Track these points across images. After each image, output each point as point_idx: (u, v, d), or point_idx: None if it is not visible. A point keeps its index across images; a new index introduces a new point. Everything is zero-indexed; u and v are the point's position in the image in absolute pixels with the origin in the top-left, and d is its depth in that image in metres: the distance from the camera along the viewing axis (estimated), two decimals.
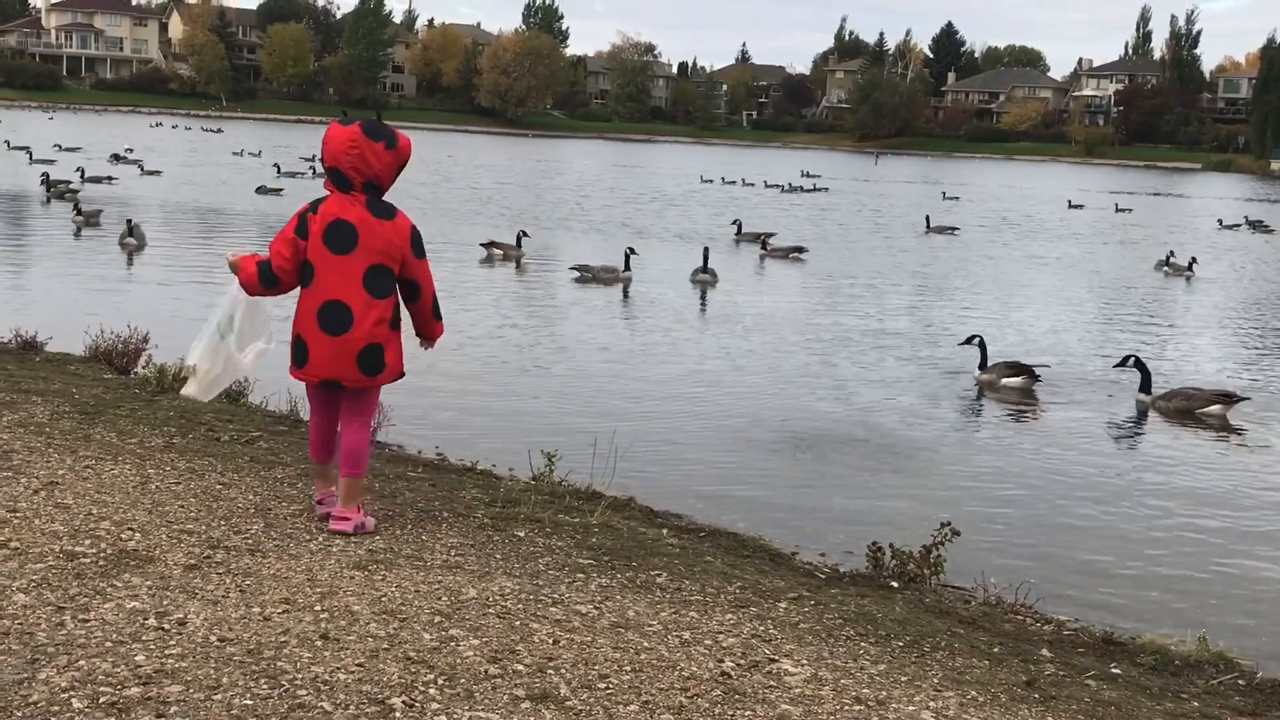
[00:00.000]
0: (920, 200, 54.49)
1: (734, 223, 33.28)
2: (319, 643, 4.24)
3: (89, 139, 62.11)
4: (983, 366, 14.65)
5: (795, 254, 28.12)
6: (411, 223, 5.66)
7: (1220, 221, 48.39)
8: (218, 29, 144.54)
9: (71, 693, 3.70)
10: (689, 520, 7.50)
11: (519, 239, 25.25)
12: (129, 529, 5.34)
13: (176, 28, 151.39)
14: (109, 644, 4.07)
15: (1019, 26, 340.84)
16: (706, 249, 23.32)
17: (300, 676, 3.95)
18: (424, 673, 4.06)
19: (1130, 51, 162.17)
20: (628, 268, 22.13)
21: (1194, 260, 29.37)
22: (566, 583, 5.23)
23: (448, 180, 50.77)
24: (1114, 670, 5.15)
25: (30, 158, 45.01)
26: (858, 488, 9.91)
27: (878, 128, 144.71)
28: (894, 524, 8.48)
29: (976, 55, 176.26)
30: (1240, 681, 5.24)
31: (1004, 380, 14.15)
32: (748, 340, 16.79)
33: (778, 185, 58.65)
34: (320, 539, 5.49)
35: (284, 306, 5.94)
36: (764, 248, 28.68)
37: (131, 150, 52.49)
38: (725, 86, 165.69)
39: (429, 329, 5.86)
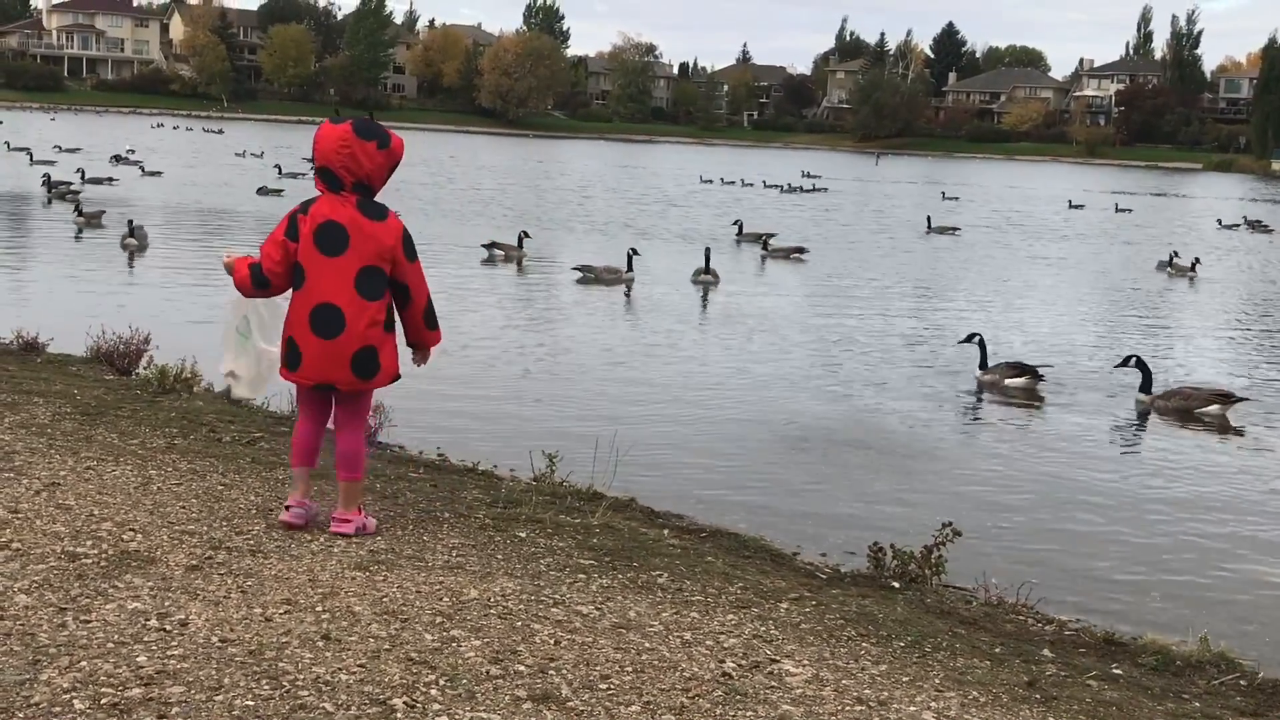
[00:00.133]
0: (922, 200, 54.50)
1: (735, 223, 33.29)
2: (320, 643, 4.24)
3: (90, 140, 62.14)
4: (983, 366, 14.65)
5: (796, 254, 28.12)
6: (402, 224, 5.57)
7: (1220, 221, 48.35)
8: (219, 30, 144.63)
9: (73, 693, 3.70)
10: (690, 521, 7.49)
11: (520, 239, 25.25)
12: (130, 530, 5.34)
13: (178, 29, 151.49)
14: (111, 645, 4.08)
15: (1020, 27, 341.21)
16: (708, 249, 23.33)
17: (302, 677, 3.95)
18: (425, 673, 4.06)
19: (1131, 52, 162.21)
20: (630, 268, 22.13)
21: (1197, 260, 29.25)
22: (568, 583, 5.23)
23: (450, 181, 50.81)
24: (1115, 671, 5.15)
25: (31, 159, 45.03)
26: (859, 488, 9.91)
27: (879, 128, 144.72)
28: (895, 524, 8.48)
29: (977, 55, 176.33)
30: (1242, 682, 5.24)
31: (1007, 381, 14.14)
32: (749, 341, 16.79)
33: (777, 185, 58.65)
34: (321, 540, 5.49)
35: None
36: (765, 248, 28.68)
37: (133, 151, 52.51)
38: (726, 87, 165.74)
39: (421, 336, 5.70)
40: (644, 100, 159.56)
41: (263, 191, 37.69)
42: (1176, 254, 30.28)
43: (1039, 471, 10.78)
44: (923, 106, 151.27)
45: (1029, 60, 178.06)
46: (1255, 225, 47.53)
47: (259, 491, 6.20)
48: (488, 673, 4.11)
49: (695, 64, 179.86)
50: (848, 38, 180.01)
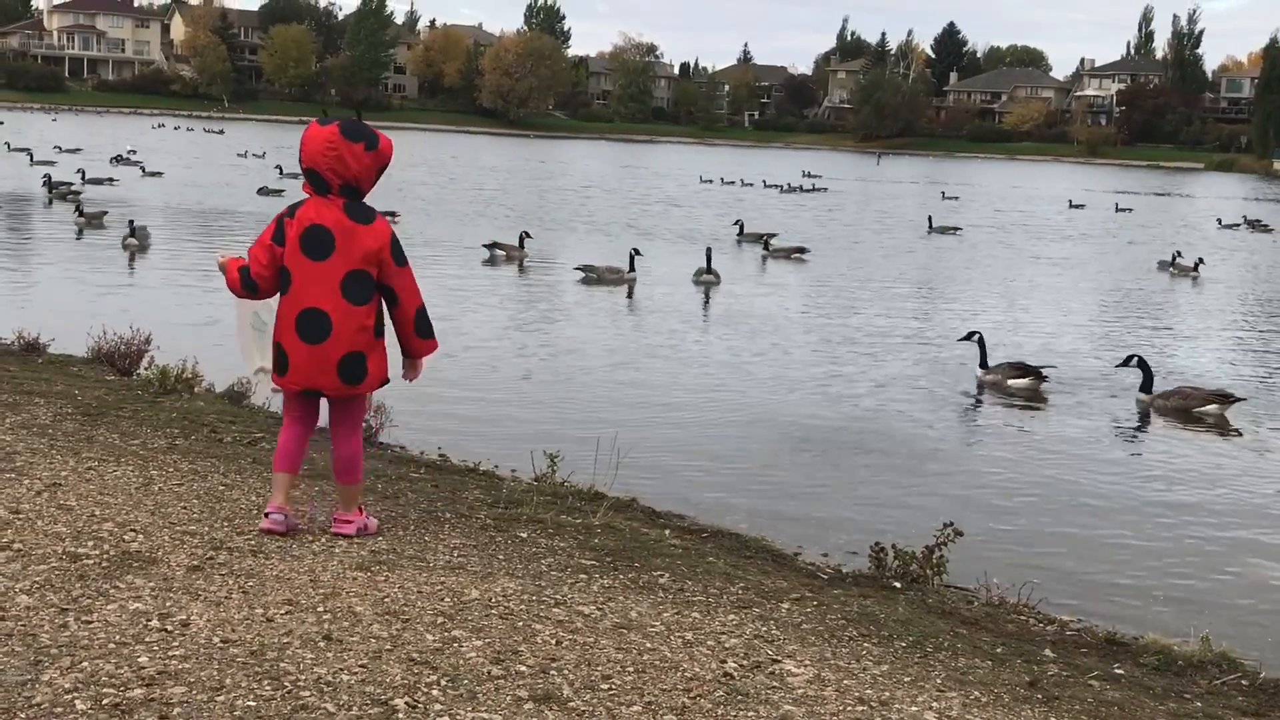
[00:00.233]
0: (924, 200, 54.48)
1: (736, 223, 33.29)
2: (322, 644, 4.24)
3: (90, 141, 62.18)
4: (984, 365, 14.65)
5: (797, 254, 28.13)
6: (391, 228, 5.47)
7: (1219, 221, 48.33)
8: (219, 30, 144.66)
9: (75, 694, 3.70)
10: (691, 521, 7.49)
11: (522, 240, 25.26)
12: (132, 530, 5.34)
13: (178, 29, 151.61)
14: (112, 645, 4.08)
15: (1021, 26, 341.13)
16: (709, 250, 23.34)
17: (303, 678, 3.95)
18: (427, 674, 4.06)
19: (1132, 51, 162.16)
20: (632, 268, 22.13)
21: (1200, 260, 29.13)
22: (569, 584, 5.23)
23: (452, 181, 50.82)
24: (1117, 670, 5.15)
25: (31, 159, 45.07)
26: (860, 488, 9.91)
27: (880, 128, 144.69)
28: (896, 524, 8.48)
29: (978, 55, 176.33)
30: (1244, 682, 5.24)
31: (1010, 381, 14.15)
32: (751, 341, 16.79)
33: (777, 185, 58.65)
34: (323, 540, 5.49)
35: None
36: (766, 248, 28.68)
37: (134, 152, 52.54)
38: (727, 87, 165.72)
39: (411, 345, 5.56)
40: (645, 100, 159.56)
41: (263, 192, 37.69)
42: (1179, 254, 30.21)
43: (1040, 472, 10.78)
44: (924, 106, 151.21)
45: (1030, 60, 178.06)
46: (1255, 225, 47.52)
47: (260, 492, 6.20)
48: (489, 673, 4.11)
49: (696, 64, 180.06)
50: (849, 37, 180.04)
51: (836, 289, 23.34)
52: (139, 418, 7.85)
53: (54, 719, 3.56)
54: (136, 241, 22.60)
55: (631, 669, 4.28)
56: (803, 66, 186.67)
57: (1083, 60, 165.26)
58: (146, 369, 9.87)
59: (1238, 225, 47.44)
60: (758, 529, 7.69)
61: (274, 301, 5.85)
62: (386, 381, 5.57)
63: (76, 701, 3.65)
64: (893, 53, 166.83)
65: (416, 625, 4.49)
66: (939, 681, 4.54)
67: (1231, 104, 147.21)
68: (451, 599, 4.81)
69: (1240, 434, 12.78)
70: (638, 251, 22.93)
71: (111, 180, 38.55)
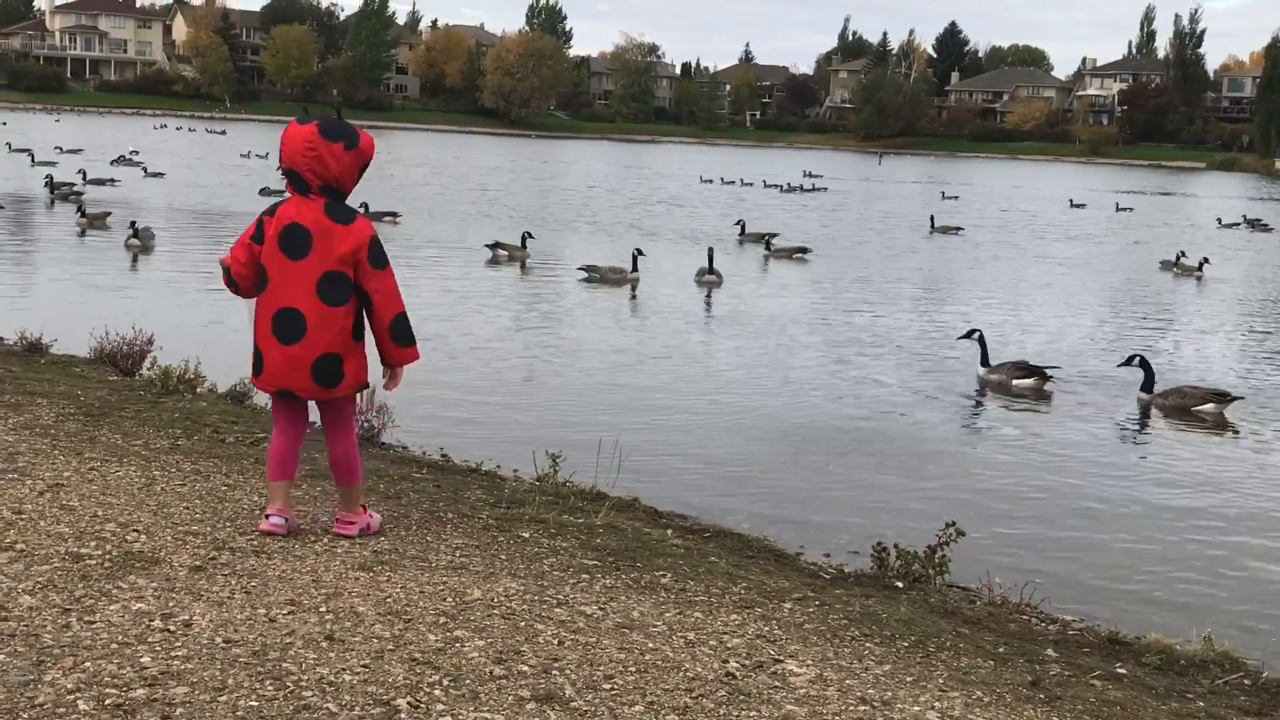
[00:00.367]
0: (926, 200, 54.46)
1: (738, 223, 33.28)
2: (324, 644, 4.24)
3: (92, 141, 62.21)
4: (984, 363, 14.65)
5: (799, 254, 28.12)
6: (372, 230, 5.35)
7: (1219, 220, 48.28)
8: (221, 31, 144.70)
9: (77, 694, 3.70)
10: (693, 521, 7.50)
11: (524, 240, 25.26)
12: (134, 530, 5.34)
13: (180, 29, 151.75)
14: (115, 645, 4.08)
15: (1023, 26, 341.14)
16: (711, 250, 23.34)
17: (305, 678, 3.95)
18: (429, 674, 4.06)
19: (1134, 51, 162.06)
20: (635, 268, 22.13)
21: (1205, 260, 28.95)
22: (571, 583, 5.23)
23: (454, 181, 50.83)
24: (1119, 670, 5.15)
25: (33, 160, 45.10)
26: (862, 488, 9.90)
27: (881, 128, 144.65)
28: (898, 524, 8.47)
29: (980, 55, 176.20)
30: (1246, 681, 5.24)
31: (1015, 381, 14.16)
32: (753, 341, 16.79)
33: (777, 185, 58.63)
34: (325, 540, 5.49)
35: None
36: (768, 248, 28.67)
37: (136, 152, 52.58)
38: (729, 87, 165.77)
39: (387, 353, 5.39)
40: (646, 100, 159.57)
41: (265, 192, 37.59)
42: (1183, 254, 30.11)
43: (1043, 472, 10.77)
44: (925, 106, 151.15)
45: (1032, 60, 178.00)
46: (1255, 224, 47.48)
47: (262, 492, 6.19)
48: (491, 673, 4.11)
49: (698, 64, 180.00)
50: (850, 37, 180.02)
51: (838, 289, 23.33)
52: (141, 418, 7.85)
53: (57, 719, 3.56)
54: (139, 242, 22.61)
55: (634, 669, 4.28)
56: (804, 66, 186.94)
57: (1084, 60, 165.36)
58: (149, 369, 9.88)
59: (1237, 224, 47.40)
60: (760, 529, 7.69)
61: None
62: (365, 386, 5.49)
63: (79, 702, 3.66)
64: (894, 52, 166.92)
65: (419, 625, 4.49)
66: (941, 681, 4.54)
67: (1233, 103, 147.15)
68: (454, 599, 4.81)
69: (1243, 435, 12.77)
70: (640, 251, 22.92)
71: (113, 181, 38.56)
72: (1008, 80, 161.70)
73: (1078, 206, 54.68)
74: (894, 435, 11.85)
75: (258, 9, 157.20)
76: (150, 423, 7.74)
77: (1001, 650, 5.16)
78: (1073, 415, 13.21)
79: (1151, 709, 4.62)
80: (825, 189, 58.93)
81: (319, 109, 7.13)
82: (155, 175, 43.06)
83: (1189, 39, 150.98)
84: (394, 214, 31.27)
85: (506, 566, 5.38)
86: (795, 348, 16.42)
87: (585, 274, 22.21)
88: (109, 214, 26.91)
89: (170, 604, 4.50)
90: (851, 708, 4.14)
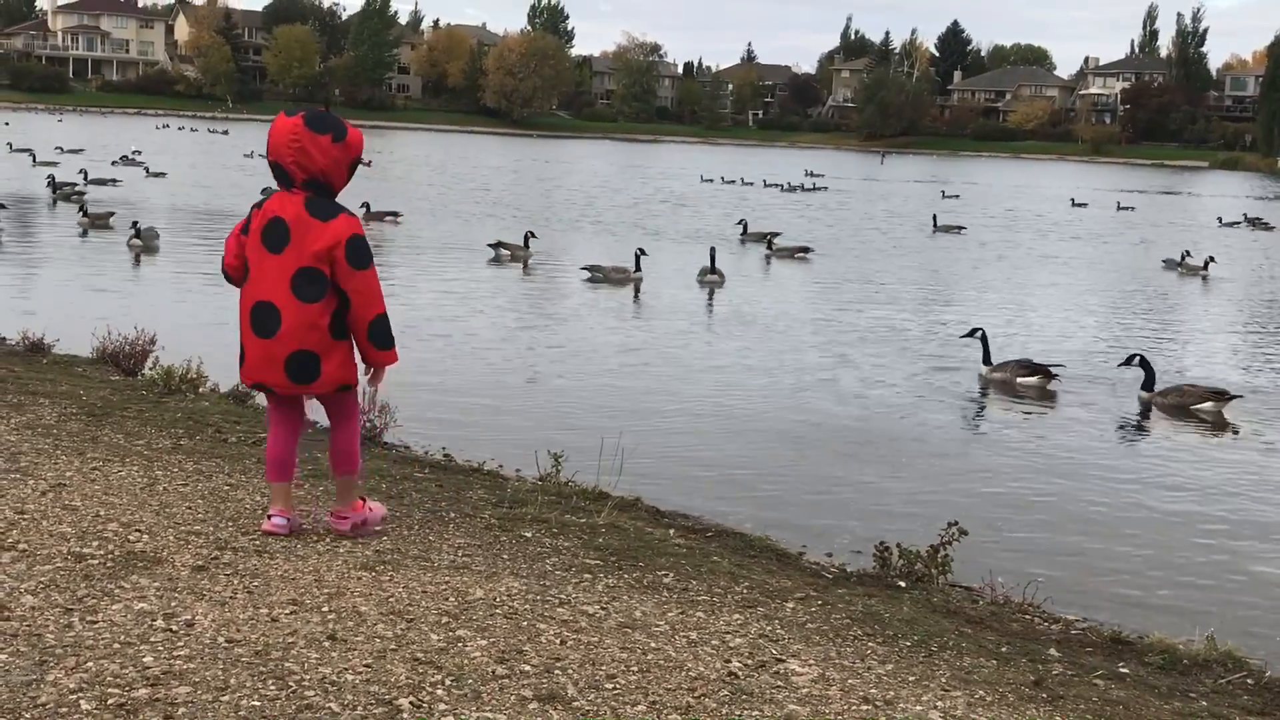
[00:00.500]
0: (928, 199, 54.41)
1: (739, 223, 33.28)
2: (326, 643, 4.24)
3: (94, 141, 62.25)
4: (986, 361, 14.65)
5: (801, 254, 28.11)
6: (354, 229, 5.21)
7: (1220, 219, 48.24)
8: (223, 31, 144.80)
9: (80, 694, 3.70)
10: (695, 520, 7.49)
11: (526, 239, 25.26)
12: (137, 530, 5.34)
13: (182, 30, 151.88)
14: (117, 645, 4.08)
15: (1025, 25, 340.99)
16: (713, 249, 23.34)
17: (308, 677, 3.95)
18: (431, 673, 4.06)
19: (1137, 50, 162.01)
20: (638, 268, 22.13)
21: (1210, 259, 28.82)
22: (573, 583, 5.23)
23: (457, 181, 50.86)
24: (1122, 669, 5.15)
25: (34, 160, 45.14)
26: (864, 487, 9.90)
27: (884, 127, 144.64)
28: (901, 524, 8.47)
29: (983, 54, 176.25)
30: (1249, 681, 5.23)
31: (1019, 380, 14.16)
32: (755, 341, 16.79)
33: (777, 184, 58.60)
34: (327, 540, 5.49)
35: None
36: (770, 248, 28.67)
37: (139, 152, 52.62)
38: (731, 86, 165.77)
39: (365, 354, 5.30)
40: (649, 100, 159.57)
41: (267, 192, 37.54)
42: (1188, 253, 30.02)
43: (1045, 471, 10.77)
44: (928, 105, 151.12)
45: (1034, 59, 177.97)
46: (1255, 223, 47.43)
47: (264, 492, 6.19)
48: (493, 672, 4.11)
49: (700, 63, 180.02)
50: (852, 36, 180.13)
51: (840, 288, 23.33)
52: (144, 418, 7.86)
53: (59, 719, 3.56)
54: (141, 242, 22.62)
55: (636, 668, 4.28)
56: (806, 66, 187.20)
57: (1087, 59, 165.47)
58: (151, 369, 9.89)
59: (1238, 223, 47.34)
60: (762, 528, 7.68)
61: None
62: (347, 384, 5.38)
63: (81, 701, 3.66)
64: (897, 52, 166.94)
65: (421, 625, 4.49)
66: (944, 681, 4.53)
67: (1236, 102, 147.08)
68: (456, 599, 4.81)
69: (1247, 434, 12.76)
70: (643, 251, 22.93)
71: (115, 181, 38.59)
72: (1010, 79, 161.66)
73: (1080, 206, 54.63)
74: (896, 435, 11.85)
75: (260, 9, 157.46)
76: (152, 422, 7.74)
77: (1004, 650, 5.15)
78: (1076, 415, 13.20)
79: (1154, 708, 4.62)
80: (827, 188, 58.91)
81: (337, 111, 7.10)
82: (157, 175, 43.08)
83: (1191, 38, 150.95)
84: (395, 214, 31.29)
85: (509, 566, 5.38)
86: (798, 347, 16.41)
87: (588, 274, 22.20)
88: (112, 214, 26.91)
89: (173, 604, 4.50)
90: (854, 707, 4.14)
